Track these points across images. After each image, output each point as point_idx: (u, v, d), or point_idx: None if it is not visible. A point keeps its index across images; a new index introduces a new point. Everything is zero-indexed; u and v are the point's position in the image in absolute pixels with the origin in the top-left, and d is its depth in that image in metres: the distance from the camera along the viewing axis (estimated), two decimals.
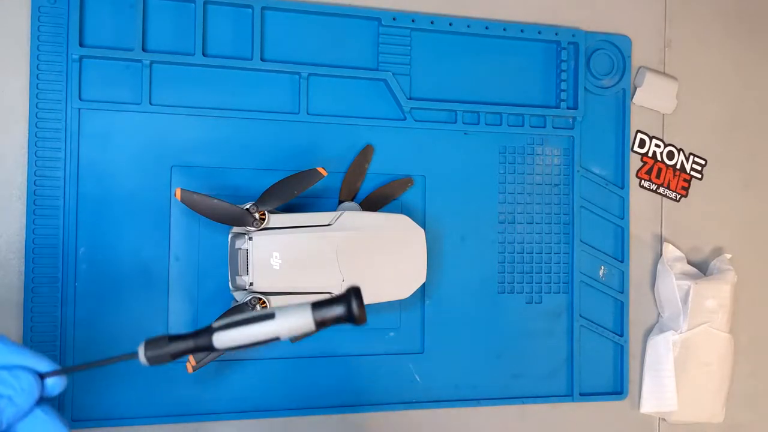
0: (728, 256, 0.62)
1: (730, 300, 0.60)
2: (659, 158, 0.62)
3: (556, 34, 0.58)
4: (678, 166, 0.62)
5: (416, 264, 0.49)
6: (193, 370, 0.44)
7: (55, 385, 0.31)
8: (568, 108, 0.58)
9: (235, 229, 0.47)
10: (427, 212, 0.55)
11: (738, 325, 0.63)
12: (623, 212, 0.60)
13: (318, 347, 0.52)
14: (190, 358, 0.45)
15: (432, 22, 0.55)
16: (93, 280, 0.48)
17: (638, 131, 0.61)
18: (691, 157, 0.63)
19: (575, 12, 0.60)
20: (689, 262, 0.62)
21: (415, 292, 0.49)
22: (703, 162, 0.63)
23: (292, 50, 0.53)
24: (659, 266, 0.61)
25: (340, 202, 0.52)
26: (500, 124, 0.57)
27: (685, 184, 0.63)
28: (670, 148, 0.62)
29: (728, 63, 0.64)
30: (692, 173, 0.63)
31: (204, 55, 0.50)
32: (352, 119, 0.53)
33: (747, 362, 0.64)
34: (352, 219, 0.47)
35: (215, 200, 0.45)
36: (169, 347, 0.31)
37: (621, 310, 0.60)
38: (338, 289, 0.47)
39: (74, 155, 0.48)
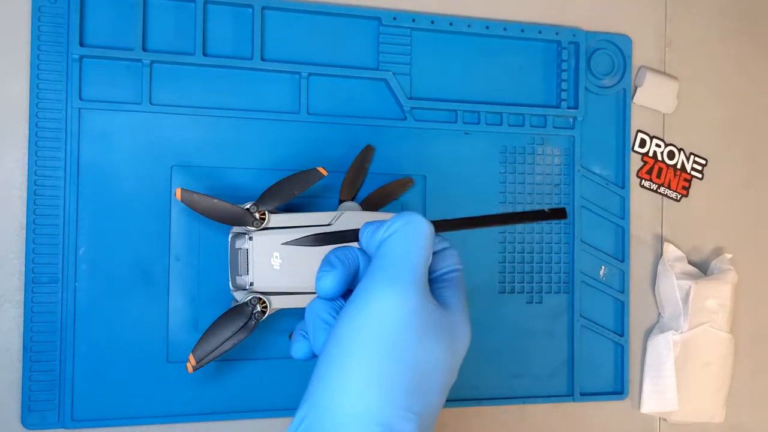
0: (729, 256, 0.62)
1: (731, 300, 0.60)
2: (660, 158, 0.62)
3: (557, 33, 0.58)
4: (678, 166, 0.62)
5: None
6: (193, 370, 0.44)
7: None
8: (568, 108, 0.58)
9: (236, 229, 0.47)
10: (427, 212, 0.55)
11: (738, 325, 0.63)
12: (624, 212, 0.60)
13: None
14: (190, 357, 0.45)
15: (432, 22, 0.55)
16: (93, 280, 0.48)
17: (639, 131, 0.61)
18: (692, 156, 0.63)
19: (576, 12, 0.60)
20: (690, 262, 0.62)
21: None
22: (703, 162, 0.63)
23: (292, 50, 0.53)
24: (660, 266, 0.61)
25: (341, 202, 0.52)
26: (501, 124, 0.57)
27: (686, 184, 0.63)
28: (670, 147, 0.62)
29: (729, 63, 0.64)
30: (693, 173, 0.63)
31: (204, 54, 0.50)
32: (352, 119, 0.53)
33: (747, 362, 0.64)
34: (353, 219, 0.47)
35: (215, 200, 0.45)
36: None
37: (621, 310, 0.60)
38: None
39: (74, 155, 0.48)
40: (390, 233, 0.32)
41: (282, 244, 0.44)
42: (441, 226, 0.35)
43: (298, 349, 0.35)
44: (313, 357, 0.34)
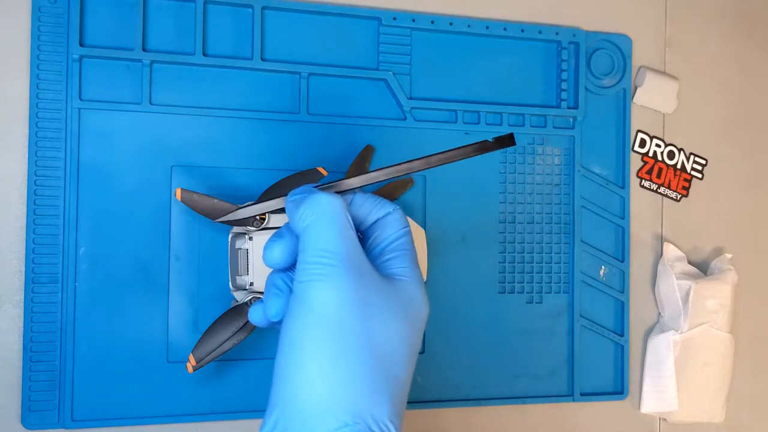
0: (729, 256, 0.62)
1: (731, 300, 0.60)
2: (660, 158, 0.62)
3: (557, 33, 0.58)
4: (678, 166, 0.62)
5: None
6: (193, 370, 0.44)
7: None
8: (568, 108, 0.58)
9: (236, 229, 0.47)
10: (427, 212, 0.55)
11: (738, 325, 0.63)
12: (624, 212, 0.60)
13: None
14: (190, 357, 0.45)
15: (432, 22, 0.55)
16: (93, 280, 0.48)
17: (639, 131, 0.61)
18: (692, 156, 0.63)
19: (576, 12, 0.60)
20: (690, 262, 0.62)
21: None
22: (703, 162, 0.63)
23: (292, 50, 0.53)
24: (660, 266, 0.61)
25: None
26: (501, 124, 0.57)
27: (686, 184, 0.63)
28: (670, 147, 0.62)
29: (729, 63, 0.64)
30: (693, 173, 0.63)
31: (204, 54, 0.50)
32: (352, 119, 0.53)
33: (747, 362, 0.64)
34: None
35: (215, 200, 0.45)
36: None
37: (621, 310, 0.60)
38: None
39: (74, 155, 0.48)
40: (305, 225, 0.32)
41: (215, 221, 0.43)
42: (346, 185, 0.35)
43: (252, 312, 0.36)
44: (271, 324, 0.35)
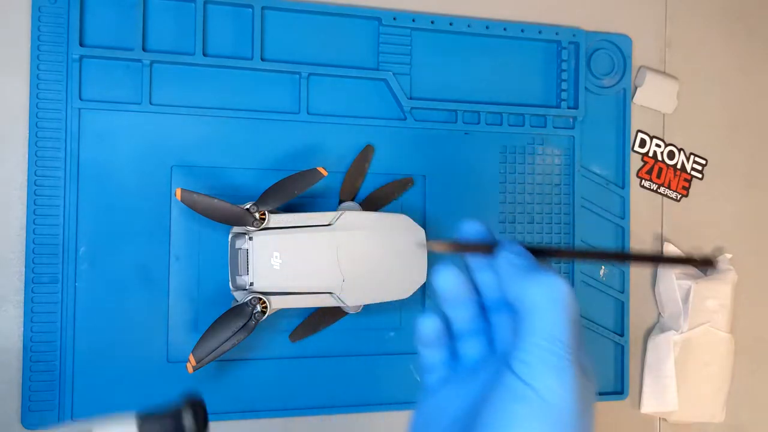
0: (729, 256, 0.62)
1: (731, 300, 0.60)
2: (660, 158, 0.62)
3: (557, 33, 0.58)
4: (678, 166, 0.62)
5: (417, 264, 0.49)
6: (193, 370, 0.44)
7: None
8: (568, 108, 0.58)
9: (236, 229, 0.47)
10: (427, 212, 0.55)
11: (738, 325, 0.63)
12: (624, 212, 0.60)
13: (318, 347, 0.52)
14: (190, 357, 0.45)
15: (432, 22, 0.55)
16: (93, 280, 0.48)
17: (639, 131, 0.61)
18: (692, 156, 0.63)
19: (576, 12, 0.60)
20: None
21: (415, 292, 0.49)
22: (703, 162, 0.63)
23: (292, 50, 0.53)
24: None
25: (341, 202, 0.52)
26: (501, 124, 0.57)
27: (686, 184, 0.63)
28: (670, 147, 0.62)
29: (729, 63, 0.64)
30: (693, 173, 0.63)
31: (204, 54, 0.50)
32: (352, 119, 0.53)
33: (747, 362, 0.64)
34: (353, 219, 0.47)
35: (215, 200, 0.44)
36: None
37: (621, 310, 0.60)
38: (338, 290, 0.47)
39: (74, 155, 0.48)
40: (535, 304, 0.30)
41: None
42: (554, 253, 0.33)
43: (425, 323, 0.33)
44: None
